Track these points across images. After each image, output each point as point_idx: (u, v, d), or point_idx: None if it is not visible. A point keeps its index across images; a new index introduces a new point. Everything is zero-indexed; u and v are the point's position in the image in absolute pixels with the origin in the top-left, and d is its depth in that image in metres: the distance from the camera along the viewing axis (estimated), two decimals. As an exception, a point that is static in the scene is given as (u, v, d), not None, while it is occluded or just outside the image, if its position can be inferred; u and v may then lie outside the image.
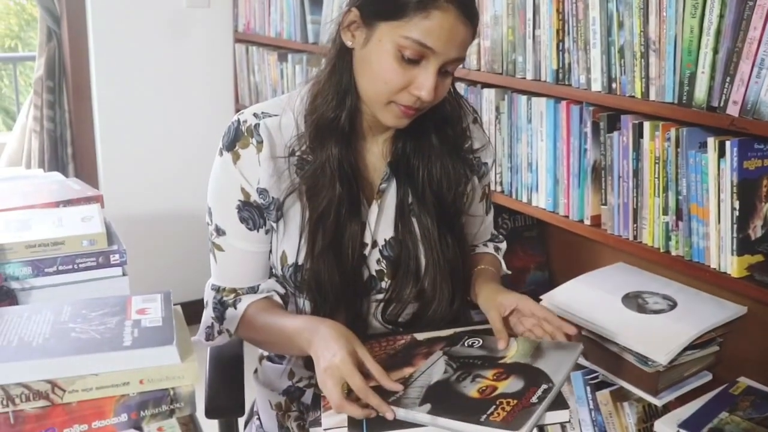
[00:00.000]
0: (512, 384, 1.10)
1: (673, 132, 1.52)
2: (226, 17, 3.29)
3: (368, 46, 1.20)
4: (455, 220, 1.37)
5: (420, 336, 1.29)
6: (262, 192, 1.29)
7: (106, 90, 3.13)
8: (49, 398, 0.87)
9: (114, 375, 0.89)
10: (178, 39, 3.20)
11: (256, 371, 1.49)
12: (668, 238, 1.58)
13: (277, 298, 1.34)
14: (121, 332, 0.93)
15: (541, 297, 1.73)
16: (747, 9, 1.34)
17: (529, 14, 1.83)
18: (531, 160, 1.91)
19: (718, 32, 1.40)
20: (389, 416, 1.05)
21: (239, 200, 1.30)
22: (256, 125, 1.29)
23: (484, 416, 1.02)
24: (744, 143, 1.42)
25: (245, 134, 1.28)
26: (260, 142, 1.28)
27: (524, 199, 1.95)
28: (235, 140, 1.29)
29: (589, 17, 1.67)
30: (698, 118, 1.46)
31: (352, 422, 1.06)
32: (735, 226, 1.44)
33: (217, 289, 1.35)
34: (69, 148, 3.13)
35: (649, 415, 1.59)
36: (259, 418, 1.47)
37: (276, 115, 1.30)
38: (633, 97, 1.60)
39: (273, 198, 1.29)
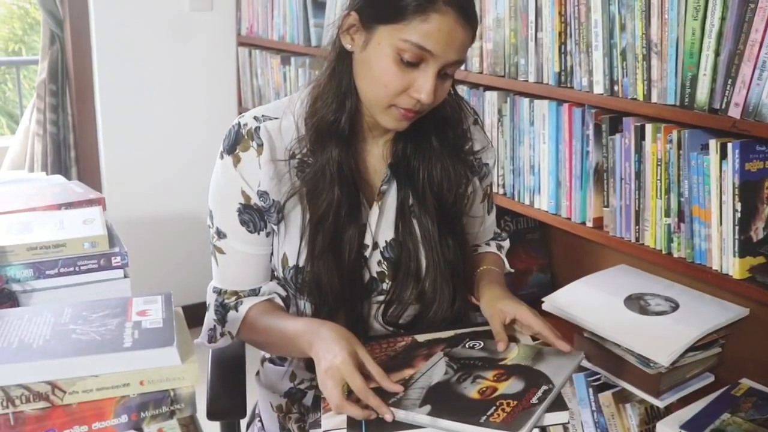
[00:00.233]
0: (512, 385, 1.10)
1: (675, 134, 1.52)
2: (229, 20, 3.29)
3: (367, 49, 1.20)
4: (456, 221, 1.37)
5: (420, 337, 1.29)
6: (262, 195, 1.29)
7: (109, 93, 3.13)
8: (50, 399, 0.87)
9: (114, 376, 0.89)
10: (181, 42, 3.20)
11: (257, 373, 1.49)
12: (670, 240, 1.57)
13: (279, 301, 1.34)
14: (122, 333, 0.94)
15: (543, 299, 1.73)
16: (749, 11, 1.34)
17: (531, 17, 1.83)
18: (533, 163, 1.91)
19: (720, 34, 1.40)
20: (388, 418, 1.05)
21: (240, 203, 1.30)
22: (257, 128, 1.29)
23: (484, 417, 1.02)
24: (746, 145, 1.41)
25: (246, 137, 1.29)
26: (261, 145, 1.28)
27: (526, 202, 1.95)
28: (235, 143, 1.29)
29: (591, 20, 1.67)
30: (700, 120, 1.46)
31: (351, 423, 1.06)
32: (737, 227, 1.43)
33: (219, 292, 1.35)
34: (72, 151, 3.13)
35: (651, 417, 1.60)
36: (260, 420, 1.47)
37: (276, 118, 1.31)
38: (635, 99, 1.60)
39: (273, 201, 1.29)
